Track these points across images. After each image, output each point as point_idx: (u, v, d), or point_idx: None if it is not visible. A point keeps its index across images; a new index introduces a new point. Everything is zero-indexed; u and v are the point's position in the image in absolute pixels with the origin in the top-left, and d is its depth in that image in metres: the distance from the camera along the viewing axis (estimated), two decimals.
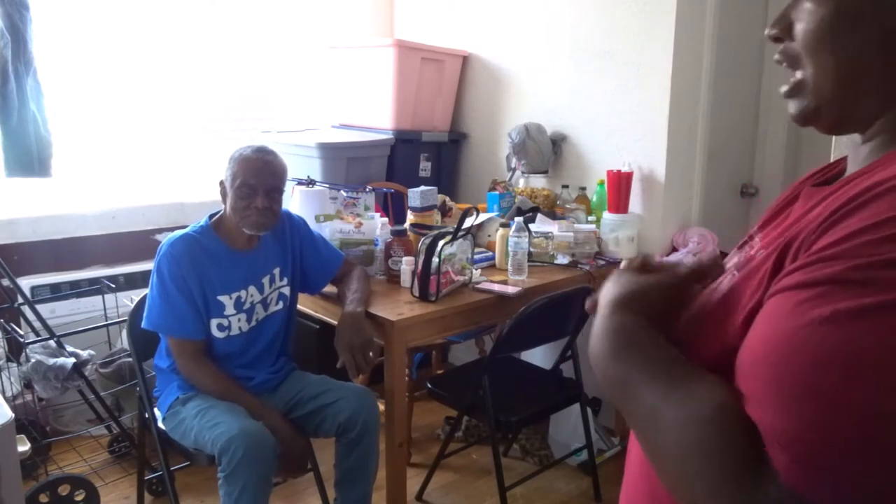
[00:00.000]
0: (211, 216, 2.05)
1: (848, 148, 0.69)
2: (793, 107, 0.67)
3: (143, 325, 1.97)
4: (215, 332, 1.99)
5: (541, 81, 3.04)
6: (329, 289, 2.24)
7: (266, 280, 2.07)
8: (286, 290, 2.12)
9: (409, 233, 2.40)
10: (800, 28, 0.63)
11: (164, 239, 1.99)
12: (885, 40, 0.59)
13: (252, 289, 2.04)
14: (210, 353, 2.01)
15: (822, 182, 0.72)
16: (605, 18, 2.74)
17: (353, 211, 2.48)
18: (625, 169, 2.64)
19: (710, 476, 0.51)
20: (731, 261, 0.75)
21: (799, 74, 0.64)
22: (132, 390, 2.41)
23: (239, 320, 2.02)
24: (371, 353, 1.94)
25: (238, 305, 2.01)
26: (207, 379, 1.97)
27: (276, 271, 2.09)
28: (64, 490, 2.23)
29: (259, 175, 1.94)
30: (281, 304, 2.11)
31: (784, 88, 0.67)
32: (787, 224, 0.64)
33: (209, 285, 1.96)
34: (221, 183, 2.00)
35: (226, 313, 1.99)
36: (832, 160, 0.78)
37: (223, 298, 1.99)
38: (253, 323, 2.06)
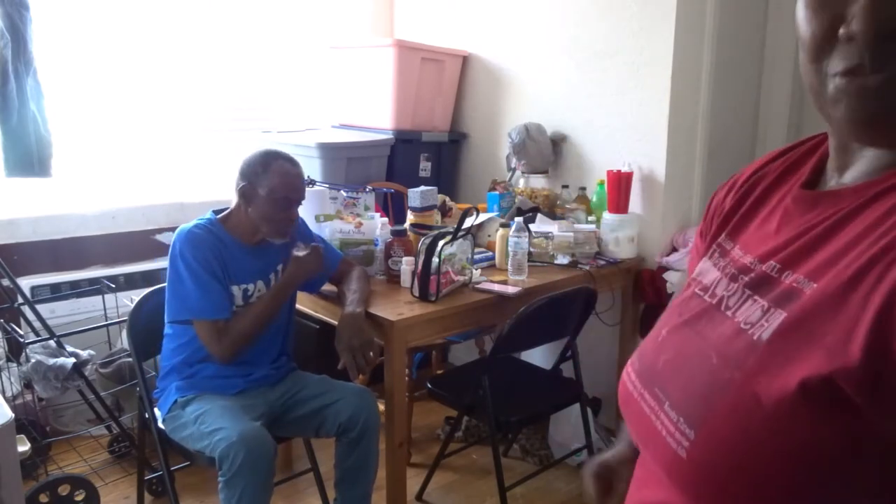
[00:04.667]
0: (215, 212, 2.06)
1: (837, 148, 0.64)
2: (864, 107, 0.56)
3: (179, 316, 1.95)
4: None
5: (541, 81, 3.04)
6: (330, 288, 2.24)
7: (273, 277, 2.09)
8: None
9: (409, 233, 2.40)
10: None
11: (175, 233, 1.98)
12: None
13: (260, 283, 2.06)
14: None
15: (806, 181, 0.68)
16: (605, 18, 2.74)
17: (353, 211, 2.48)
18: (625, 169, 2.63)
19: None
20: (709, 274, 0.70)
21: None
22: (132, 390, 2.41)
23: None
24: (371, 354, 1.95)
25: (245, 298, 2.03)
26: (241, 329, 1.95)
27: (279, 268, 2.11)
28: (64, 490, 2.23)
29: (298, 190, 2.03)
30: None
31: (845, 81, 0.56)
32: (830, 252, 0.58)
33: (225, 272, 1.99)
34: (251, 187, 1.98)
35: (235, 303, 2.01)
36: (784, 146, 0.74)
37: (234, 288, 2.01)
38: None
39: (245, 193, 1.99)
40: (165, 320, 2.00)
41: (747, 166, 0.78)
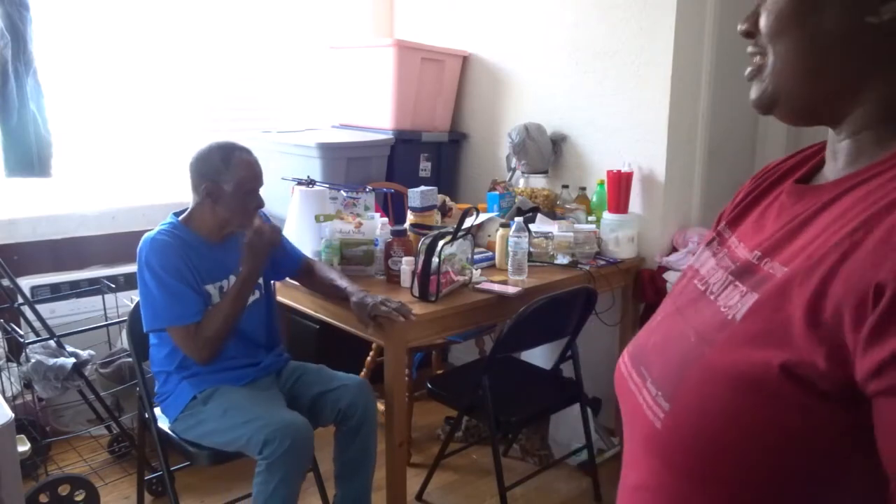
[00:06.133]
0: (176, 214, 2.05)
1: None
2: (753, 91, 0.68)
3: (152, 326, 1.95)
4: None
5: (541, 81, 3.04)
6: (296, 285, 2.26)
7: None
8: (259, 280, 2.13)
9: (409, 233, 2.40)
10: (763, 18, 0.66)
11: (140, 242, 1.96)
12: (849, 29, 0.59)
13: (233, 278, 2.04)
14: None
15: (802, 177, 0.71)
16: (605, 18, 2.74)
17: (353, 211, 2.47)
18: (625, 169, 2.63)
19: None
20: (707, 264, 0.73)
21: (759, 59, 0.67)
22: (132, 390, 2.41)
23: None
24: (389, 304, 1.95)
25: (222, 295, 2.03)
26: (213, 328, 1.94)
27: None
28: (64, 490, 2.23)
29: (260, 178, 2.02)
30: (257, 293, 2.12)
31: (747, 71, 0.69)
32: (803, 241, 0.60)
33: (197, 274, 1.98)
34: (215, 185, 1.96)
35: (213, 302, 2.00)
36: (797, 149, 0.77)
37: (209, 287, 2.01)
38: None
39: (210, 192, 1.97)
40: (143, 329, 1.99)
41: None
